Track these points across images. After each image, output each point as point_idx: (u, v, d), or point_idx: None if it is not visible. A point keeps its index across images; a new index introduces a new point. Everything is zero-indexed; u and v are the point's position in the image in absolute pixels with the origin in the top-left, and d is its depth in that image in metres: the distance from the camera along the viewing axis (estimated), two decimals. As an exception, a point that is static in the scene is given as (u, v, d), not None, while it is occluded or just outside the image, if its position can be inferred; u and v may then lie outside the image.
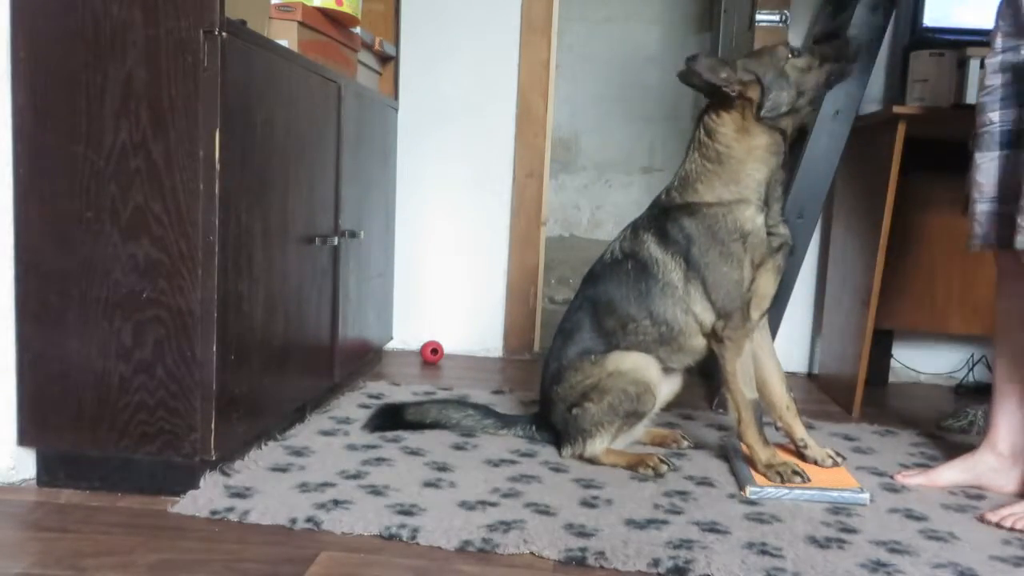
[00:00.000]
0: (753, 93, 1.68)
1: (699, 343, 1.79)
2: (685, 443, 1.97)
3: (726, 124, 1.72)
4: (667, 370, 1.86)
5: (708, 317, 1.74)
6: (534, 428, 1.98)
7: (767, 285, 1.75)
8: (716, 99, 1.73)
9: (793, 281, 2.34)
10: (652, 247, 1.78)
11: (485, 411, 2.03)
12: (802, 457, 1.82)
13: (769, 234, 1.73)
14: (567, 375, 1.84)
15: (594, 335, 1.84)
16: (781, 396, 1.83)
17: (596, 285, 1.87)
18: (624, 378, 1.79)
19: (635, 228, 1.85)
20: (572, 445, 1.84)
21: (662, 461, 1.78)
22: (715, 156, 1.73)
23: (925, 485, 1.78)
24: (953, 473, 1.78)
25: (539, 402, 1.99)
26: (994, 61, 1.64)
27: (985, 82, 1.66)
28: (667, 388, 1.88)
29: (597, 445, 1.82)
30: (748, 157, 1.71)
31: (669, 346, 1.80)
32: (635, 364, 1.80)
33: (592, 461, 1.82)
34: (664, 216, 1.78)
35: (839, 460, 1.83)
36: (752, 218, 1.71)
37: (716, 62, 1.69)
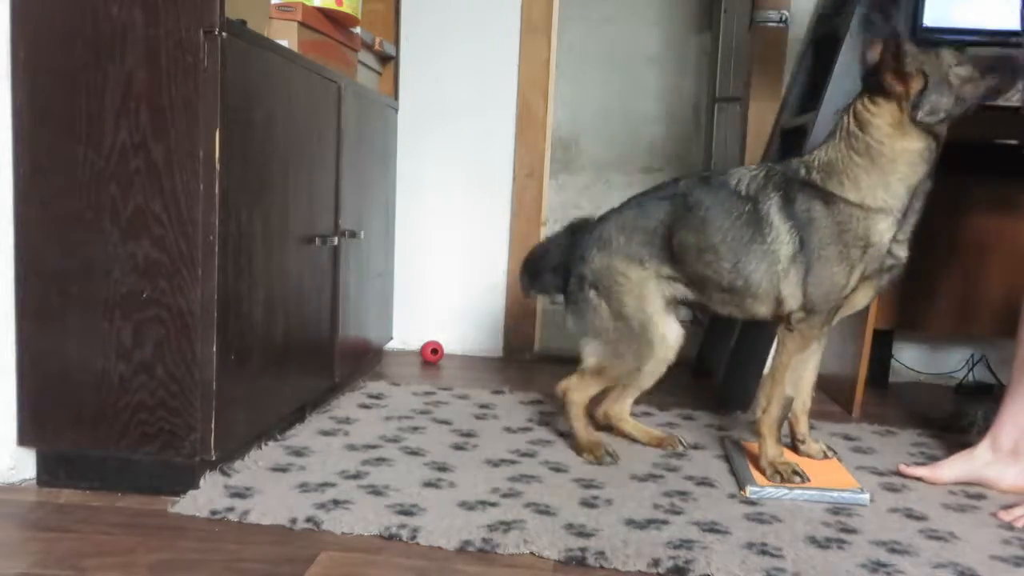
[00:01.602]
0: (915, 86, 1.58)
1: (760, 311, 1.75)
2: (680, 447, 1.94)
3: (882, 116, 1.62)
4: (691, 307, 1.87)
5: (793, 303, 1.68)
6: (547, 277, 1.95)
7: (863, 299, 1.73)
8: (871, 85, 1.63)
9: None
10: (774, 211, 1.69)
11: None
12: (795, 451, 1.85)
13: (889, 252, 1.67)
14: (616, 256, 1.80)
15: (664, 239, 1.78)
16: (805, 392, 1.84)
17: (705, 194, 1.76)
18: (641, 319, 1.78)
19: (768, 177, 1.73)
20: (572, 310, 1.86)
21: (608, 454, 1.81)
22: (864, 150, 1.63)
23: (928, 478, 1.78)
24: (955, 468, 1.78)
25: (564, 234, 1.94)
26: None
27: None
28: (651, 379, 1.87)
29: (587, 352, 1.83)
30: (900, 159, 1.62)
31: (731, 295, 1.75)
32: (671, 345, 1.81)
33: (567, 390, 1.85)
34: (798, 187, 1.68)
35: (830, 453, 1.87)
36: (883, 232, 1.63)
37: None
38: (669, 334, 1.83)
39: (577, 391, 1.86)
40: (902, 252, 1.70)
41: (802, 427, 1.86)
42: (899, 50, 1.58)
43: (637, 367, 1.83)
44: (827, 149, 1.69)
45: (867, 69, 1.65)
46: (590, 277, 1.83)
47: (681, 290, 1.82)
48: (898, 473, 1.82)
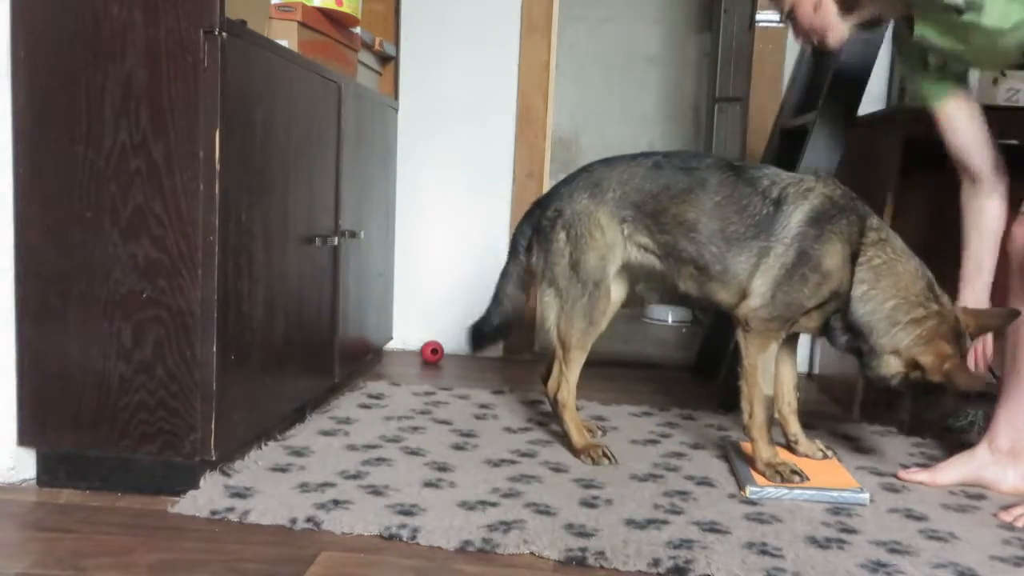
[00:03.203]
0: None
1: (722, 297, 1.76)
2: (599, 433, 2.02)
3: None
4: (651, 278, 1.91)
5: (758, 299, 1.70)
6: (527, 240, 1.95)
7: (811, 324, 1.74)
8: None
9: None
10: (797, 215, 1.69)
11: (505, 271, 2.01)
12: (792, 452, 1.85)
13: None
14: (602, 210, 1.81)
15: (659, 208, 1.78)
16: (788, 392, 1.85)
17: (728, 183, 1.75)
18: (600, 297, 1.82)
19: (806, 193, 1.71)
20: (539, 242, 1.88)
21: (605, 455, 1.81)
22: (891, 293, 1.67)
23: (928, 482, 1.78)
24: (954, 471, 1.78)
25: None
26: None
27: None
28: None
29: (546, 310, 1.87)
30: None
31: (700, 273, 1.77)
32: (614, 303, 1.89)
33: (554, 393, 1.89)
34: (852, 221, 1.69)
35: (828, 453, 1.86)
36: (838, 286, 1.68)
37: None
38: (616, 293, 1.91)
39: (563, 388, 1.88)
40: (835, 323, 1.73)
41: (792, 427, 1.86)
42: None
43: (589, 323, 1.84)
44: (891, 236, 1.71)
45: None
46: (567, 216, 1.83)
47: (650, 261, 1.84)
48: (896, 476, 1.82)
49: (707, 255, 1.75)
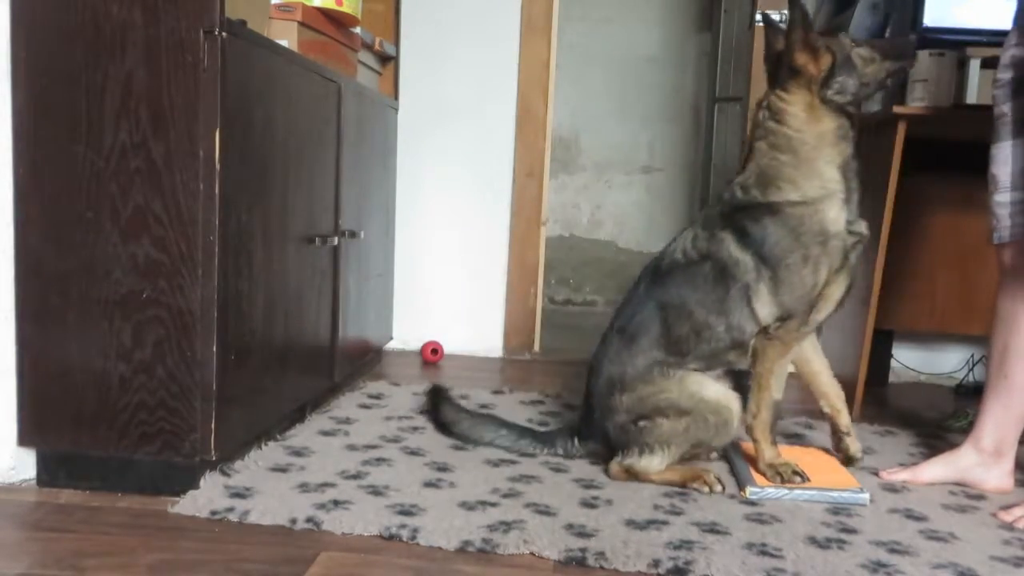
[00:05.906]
0: (824, 63, 1.61)
1: (752, 337, 1.72)
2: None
3: (796, 103, 1.63)
4: (730, 375, 1.79)
5: (769, 318, 1.67)
6: (575, 441, 1.83)
7: (838, 290, 1.70)
8: (780, 75, 1.66)
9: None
10: (732, 247, 1.67)
11: (520, 431, 1.90)
12: (838, 444, 1.85)
13: (849, 232, 1.66)
14: (636, 386, 1.71)
15: (663, 342, 1.71)
16: (830, 383, 1.84)
17: (667, 287, 1.73)
18: (707, 406, 1.70)
19: (709, 227, 1.72)
20: (627, 455, 1.72)
21: (718, 479, 1.71)
22: (786, 144, 1.64)
23: (910, 481, 1.79)
24: (936, 469, 1.79)
25: (585, 407, 1.82)
26: (1006, 56, 1.67)
27: (997, 75, 1.69)
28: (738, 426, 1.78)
29: (655, 463, 1.70)
30: (821, 143, 1.63)
31: (740, 349, 1.71)
32: (720, 396, 1.71)
33: (637, 476, 1.71)
34: (743, 215, 1.67)
35: (859, 456, 1.85)
36: (836, 218, 1.63)
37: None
38: (721, 396, 1.73)
39: (657, 474, 1.73)
40: (861, 228, 1.69)
41: (844, 419, 1.84)
42: (808, 27, 1.60)
43: (715, 435, 1.73)
44: (753, 160, 1.69)
45: (773, 59, 1.69)
46: (642, 408, 1.70)
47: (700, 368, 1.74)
48: (877, 475, 1.82)
49: (724, 336, 1.69)
